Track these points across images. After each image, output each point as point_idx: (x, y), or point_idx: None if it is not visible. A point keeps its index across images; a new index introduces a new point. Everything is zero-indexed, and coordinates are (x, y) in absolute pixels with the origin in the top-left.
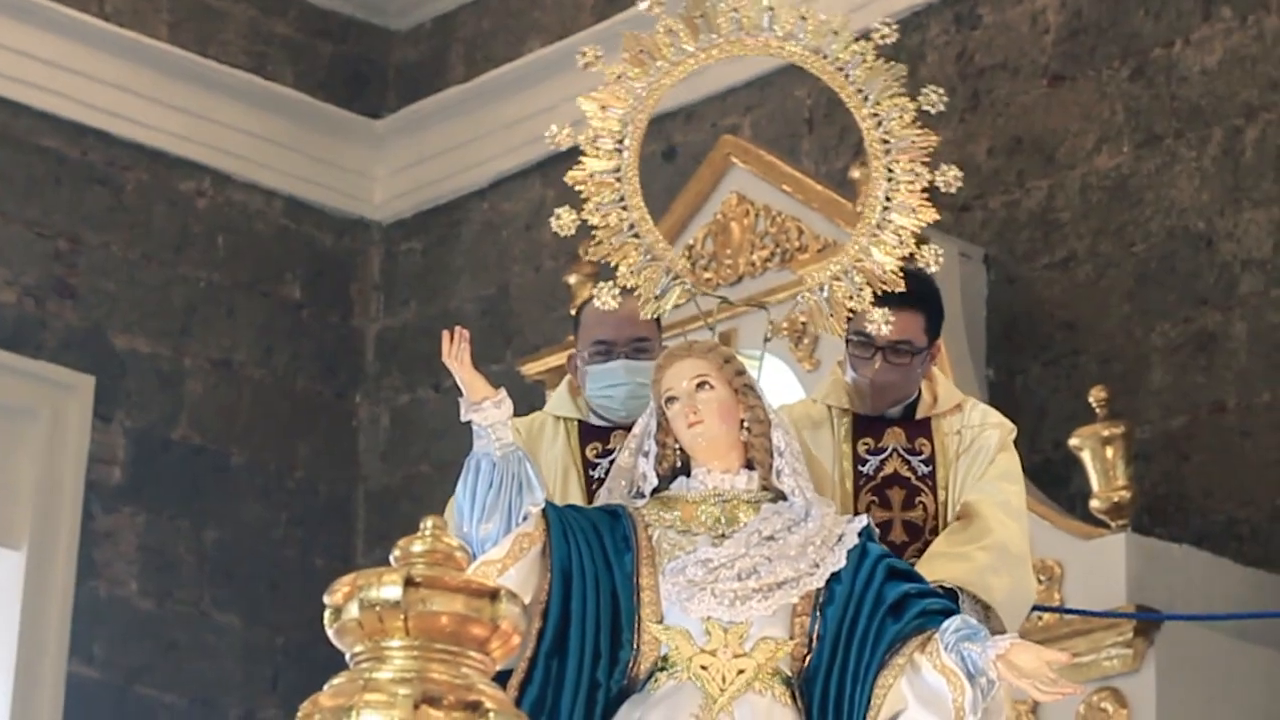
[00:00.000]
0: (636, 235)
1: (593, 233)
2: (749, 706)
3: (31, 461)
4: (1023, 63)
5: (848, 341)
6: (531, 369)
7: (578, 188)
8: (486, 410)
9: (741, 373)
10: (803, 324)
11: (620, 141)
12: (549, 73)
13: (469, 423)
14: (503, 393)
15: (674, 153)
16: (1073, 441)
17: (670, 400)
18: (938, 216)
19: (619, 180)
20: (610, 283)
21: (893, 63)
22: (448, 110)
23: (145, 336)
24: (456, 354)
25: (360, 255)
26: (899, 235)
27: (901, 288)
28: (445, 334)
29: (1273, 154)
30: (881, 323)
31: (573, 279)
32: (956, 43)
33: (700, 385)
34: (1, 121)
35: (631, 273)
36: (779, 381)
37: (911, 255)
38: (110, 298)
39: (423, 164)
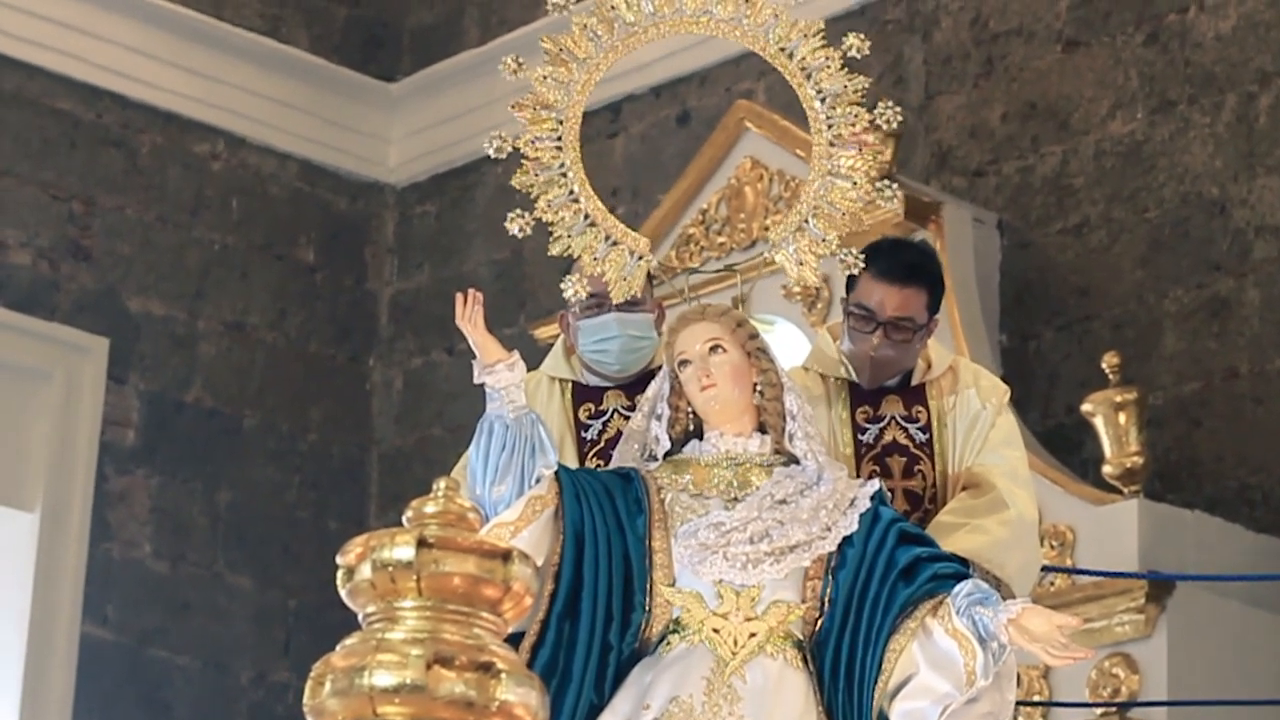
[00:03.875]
0: (593, 225)
1: (549, 229)
2: (760, 669)
3: (45, 423)
4: (1037, 28)
5: (848, 313)
6: (544, 332)
7: (526, 190)
8: (499, 373)
9: (754, 336)
10: (816, 290)
11: (559, 139)
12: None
13: (482, 385)
14: (515, 355)
15: (688, 117)
16: (1085, 407)
17: (683, 363)
18: (886, 155)
19: (565, 176)
20: (576, 275)
21: (807, 21)
22: (462, 74)
23: (159, 299)
24: (470, 316)
25: (374, 218)
26: (852, 178)
27: (859, 227)
28: (459, 296)
29: None
30: (852, 263)
31: None
32: (971, 8)
33: (713, 349)
34: (16, 84)
35: (595, 260)
36: (792, 346)
37: (869, 195)
38: (124, 260)
39: (437, 127)
